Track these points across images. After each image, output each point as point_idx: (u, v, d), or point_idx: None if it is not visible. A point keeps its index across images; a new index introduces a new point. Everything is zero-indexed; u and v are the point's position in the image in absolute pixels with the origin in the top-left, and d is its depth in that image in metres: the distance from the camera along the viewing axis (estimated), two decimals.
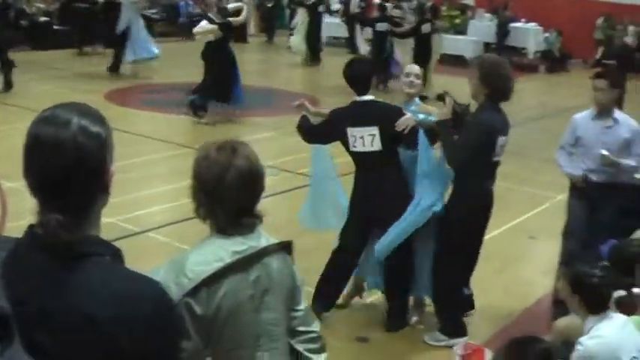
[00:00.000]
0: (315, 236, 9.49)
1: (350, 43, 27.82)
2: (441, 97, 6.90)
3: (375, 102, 7.33)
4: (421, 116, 7.07)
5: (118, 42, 20.24)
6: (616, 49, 14.93)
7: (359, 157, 7.23)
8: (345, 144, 7.25)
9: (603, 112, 7.74)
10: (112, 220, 9.50)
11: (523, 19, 29.15)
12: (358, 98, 7.25)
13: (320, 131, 7.51)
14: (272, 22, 30.60)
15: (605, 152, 7.57)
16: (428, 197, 7.02)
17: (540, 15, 28.84)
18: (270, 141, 14.81)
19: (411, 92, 7.62)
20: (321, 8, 25.24)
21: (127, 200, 10.54)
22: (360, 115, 7.13)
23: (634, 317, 5.05)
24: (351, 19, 27.06)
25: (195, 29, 16.18)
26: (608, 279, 4.98)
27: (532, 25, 28.85)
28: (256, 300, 3.31)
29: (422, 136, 6.97)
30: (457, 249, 7.00)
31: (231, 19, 16.63)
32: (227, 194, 3.26)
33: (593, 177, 7.77)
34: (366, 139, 7.05)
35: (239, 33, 29.32)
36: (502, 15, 28.35)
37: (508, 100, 6.91)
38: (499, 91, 6.81)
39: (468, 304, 7.53)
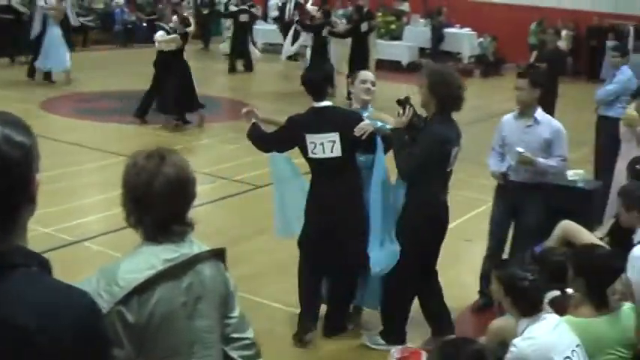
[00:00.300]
0: (249, 244, 9.54)
1: None
2: (401, 103, 6.83)
3: (334, 108, 7.30)
4: (379, 124, 7.07)
5: (36, 49, 20.15)
6: (548, 52, 15.08)
7: (318, 163, 7.18)
8: (304, 150, 7.21)
9: (525, 111, 7.97)
10: (47, 231, 9.45)
11: (457, 25, 29.39)
12: (316, 104, 7.22)
13: (277, 139, 7.46)
14: (208, 28, 30.43)
15: (520, 150, 7.75)
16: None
17: (474, 20, 29.08)
18: (207, 148, 14.78)
19: (367, 99, 7.62)
20: (243, 18, 24.79)
21: (62, 210, 10.45)
22: (319, 121, 7.12)
23: (567, 317, 5.11)
24: (288, 26, 27.10)
25: (158, 38, 16.07)
26: (540, 282, 5.02)
27: (466, 30, 29.07)
28: (189, 307, 3.29)
29: (379, 143, 6.98)
30: (409, 259, 6.90)
31: (188, 29, 16.65)
32: (155, 202, 3.25)
33: (515, 176, 7.99)
34: (326, 145, 7.04)
35: None
36: (436, 20, 28.57)
37: (459, 109, 6.87)
38: (449, 100, 6.76)
39: (449, 326, 7.38)
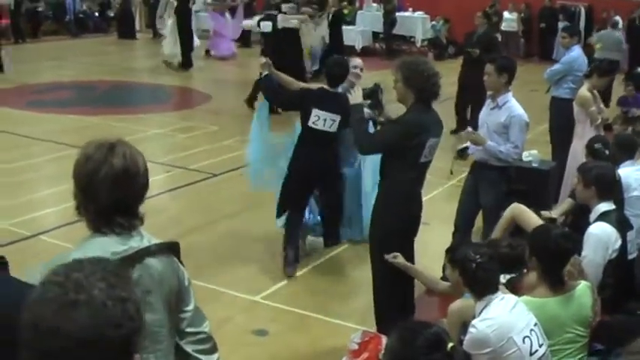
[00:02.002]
0: (206, 232, 9.53)
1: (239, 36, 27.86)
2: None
3: (342, 95, 8.26)
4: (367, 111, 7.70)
5: None
6: (478, 37, 14.93)
7: (314, 133, 8.55)
8: (305, 118, 8.59)
9: (494, 94, 8.16)
10: (3, 225, 9.37)
11: (410, 8, 29.40)
12: (329, 88, 8.63)
13: (288, 99, 9.11)
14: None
15: (469, 129, 8.23)
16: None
17: (427, 3, 29.13)
18: (161, 138, 14.68)
19: (355, 82, 8.61)
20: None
21: (17, 204, 10.37)
22: (329, 102, 8.49)
23: (523, 297, 5.15)
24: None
25: (291, 22, 17.07)
26: (490, 265, 5.04)
27: (419, 13, 29.08)
28: None
29: (370, 126, 7.81)
30: (383, 252, 6.72)
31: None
32: (99, 191, 3.18)
33: (476, 155, 8.28)
34: (328, 121, 8.50)
35: (128, 29, 28.91)
36: (389, 5, 28.48)
37: (437, 98, 6.69)
38: (426, 90, 6.56)
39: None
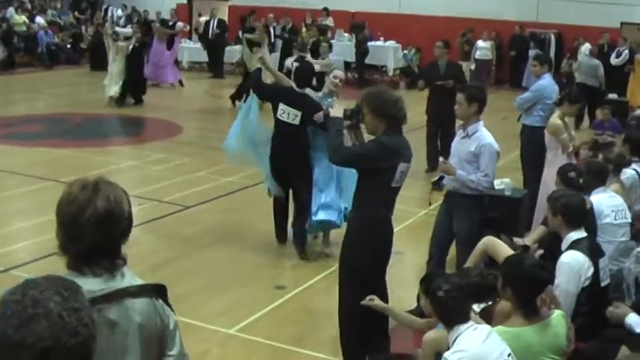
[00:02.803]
0: (181, 265, 9.48)
1: (211, 67, 27.95)
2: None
3: (307, 96, 10.07)
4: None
5: None
6: (444, 68, 14.80)
7: (282, 124, 10.00)
8: (275, 109, 10.12)
9: (464, 123, 8.19)
10: None
11: (382, 38, 29.53)
12: (297, 89, 10.09)
13: (265, 92, 10.54)
14: None
15: (440, 158, 8.33)
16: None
17: (399, 33, 29.28)
18: (133, 170, 14.62)
19: (334, 90, 10.38)
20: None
21: None
22: (294, 99, 9.96)
23: (497, 327, 5.15)
24: (212, 43, 27.23)
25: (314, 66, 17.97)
26: (458, 294, 5.05)
27: (391, 42, 29.24)
28: (113, 342, 3.16)
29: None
30: (356, 283, 6.81)
31: None
32: (82, 233, 3.15)
33: (449, 184, 8.30)
34: (291, 115, 9.91)
35: (100, 60, 28.88)
36: (361, 35, 28.57)
37: (406, 121, 6.81)
38: (395, 116, 6.66)
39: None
